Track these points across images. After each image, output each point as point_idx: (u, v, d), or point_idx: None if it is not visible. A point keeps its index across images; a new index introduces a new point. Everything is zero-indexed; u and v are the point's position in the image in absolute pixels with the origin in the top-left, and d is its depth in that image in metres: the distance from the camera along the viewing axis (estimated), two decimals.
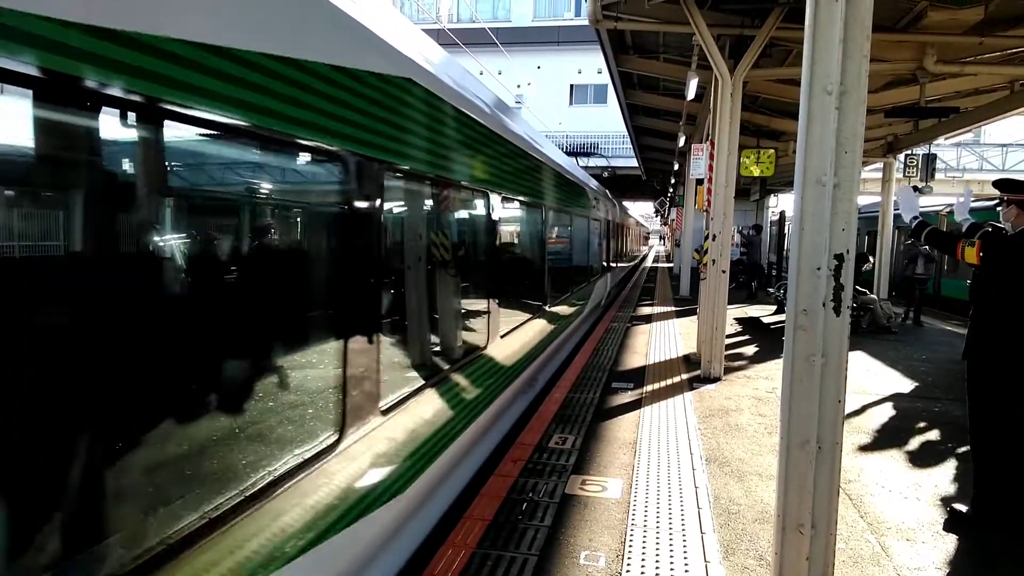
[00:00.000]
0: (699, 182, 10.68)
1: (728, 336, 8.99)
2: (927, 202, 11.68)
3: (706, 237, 8.21)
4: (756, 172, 11.54)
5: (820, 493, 2.82)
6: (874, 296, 12.75)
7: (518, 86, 31.85)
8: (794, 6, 7.22)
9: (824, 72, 2.68)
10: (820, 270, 2.74)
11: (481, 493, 4.33)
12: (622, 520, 3.98)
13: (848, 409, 6.25)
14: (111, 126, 1.71)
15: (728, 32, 7.90)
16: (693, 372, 8.17)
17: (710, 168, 8.27)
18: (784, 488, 2.88)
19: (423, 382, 3.67)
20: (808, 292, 2.77)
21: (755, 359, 9.28)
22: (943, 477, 4.91)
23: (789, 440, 2.85)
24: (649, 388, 7.32)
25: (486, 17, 35.40)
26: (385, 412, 3.10)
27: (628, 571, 3.40)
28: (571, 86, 37.41)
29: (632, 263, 29.25)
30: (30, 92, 1.49)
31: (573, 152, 23.50)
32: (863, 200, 22.60)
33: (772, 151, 11.69)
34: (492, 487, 4.42)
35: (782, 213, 20.71)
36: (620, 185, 32.99)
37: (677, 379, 7.83)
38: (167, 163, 2.04)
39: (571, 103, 37.52)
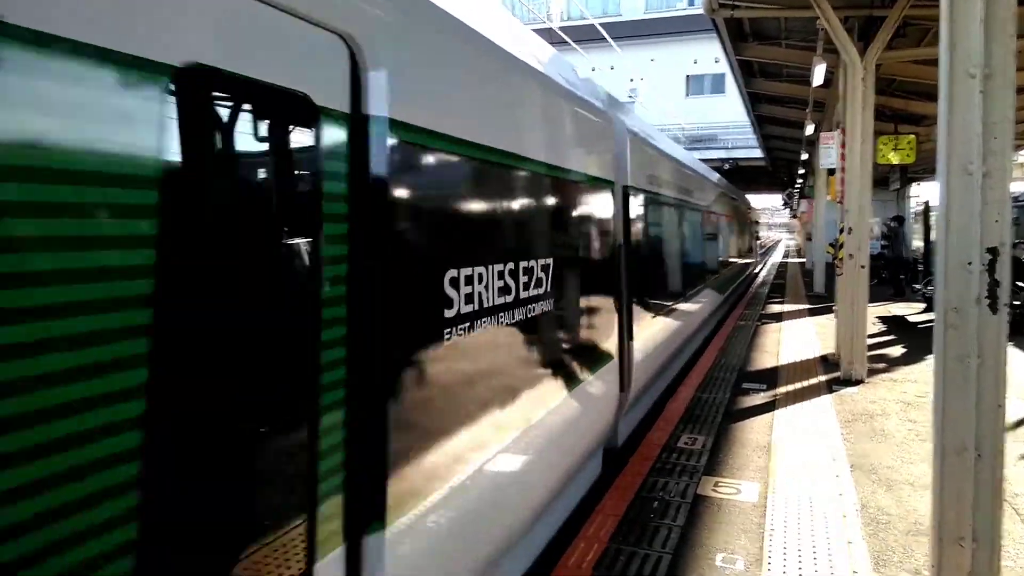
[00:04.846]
0: (831, 172, 10.05)
1: (870, 336, 8.41)
2: None
3: (840, 230, 7.74)
4: (894, 160, 10.69)
5: (981, 504, 2.65)
6: None
7: (631, 80, 31.41)
8: None
9: (965, 54, 2.53)
10: (971, 265, 2.58)
11: (612, 487, 4.40)
12: (759, 524, 3.90)
13: (1014, 416, 5.68)
14: None
15: (856, 13, 7.42)
16: (832, 374, 7.73)
17: (842, 157, 7.80)
18: (940, 498, 2.73)
19: None
20: (958, 289, 2.62)
21: (901, 361, 8.60)
22: None
23: (944, 447, 2.71)
24: (783, 390, 7.03)
25: (596, 13, 35.14)
26: None
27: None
28: (687, 77, 36.41)
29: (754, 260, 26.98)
30: None
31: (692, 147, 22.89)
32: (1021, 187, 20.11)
33: (912, 136, 10.77)
34: (622, 482, 4.48)
35: (927, 203, 18.89)
36: (744, 176, 31.67)
37: (814, 381, 7.45)
38: None
39: (687, 94, 36.49)
